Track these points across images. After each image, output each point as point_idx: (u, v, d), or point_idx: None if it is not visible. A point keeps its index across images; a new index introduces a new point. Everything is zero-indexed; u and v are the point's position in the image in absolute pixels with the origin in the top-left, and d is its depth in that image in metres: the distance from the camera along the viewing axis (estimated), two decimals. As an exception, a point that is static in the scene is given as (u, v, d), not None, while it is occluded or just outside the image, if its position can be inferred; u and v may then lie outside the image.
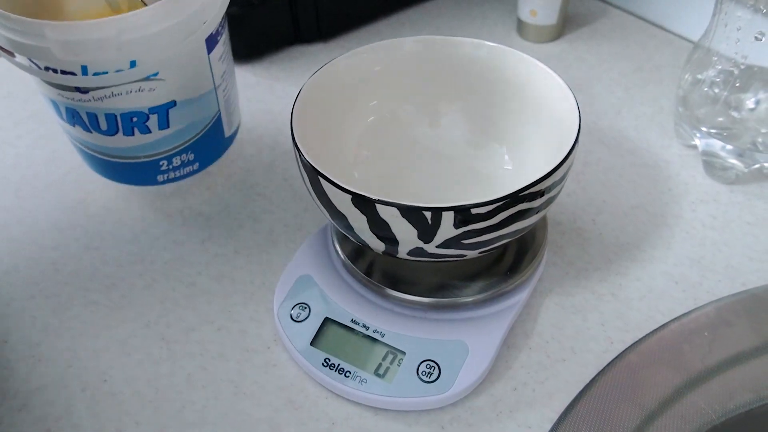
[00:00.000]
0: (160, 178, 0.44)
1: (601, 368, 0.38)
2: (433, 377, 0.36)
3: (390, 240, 0.34)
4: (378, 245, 0.35)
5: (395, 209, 0.31)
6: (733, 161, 0.47)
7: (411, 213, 0.31)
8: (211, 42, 0.40)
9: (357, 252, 0.41)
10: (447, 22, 0.68)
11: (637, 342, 0.39)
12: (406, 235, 0.33)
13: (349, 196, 0.32)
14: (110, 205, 0.49)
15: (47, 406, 0.37)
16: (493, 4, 0.70)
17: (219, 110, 0.44)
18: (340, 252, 0.41)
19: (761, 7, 0.42)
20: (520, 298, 0.39)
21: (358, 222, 0.33)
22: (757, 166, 0.47)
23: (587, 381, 0.37)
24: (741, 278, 0.42)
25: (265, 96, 0.59)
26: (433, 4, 0.71)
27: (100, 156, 0.43)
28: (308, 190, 0.36)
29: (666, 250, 0.44)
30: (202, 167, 0.46)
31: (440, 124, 0.45)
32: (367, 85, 0.43)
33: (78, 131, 0.41)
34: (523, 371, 0.38)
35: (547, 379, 0.37)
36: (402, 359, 0.37)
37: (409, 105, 0.44)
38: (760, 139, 0.46)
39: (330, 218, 0.36)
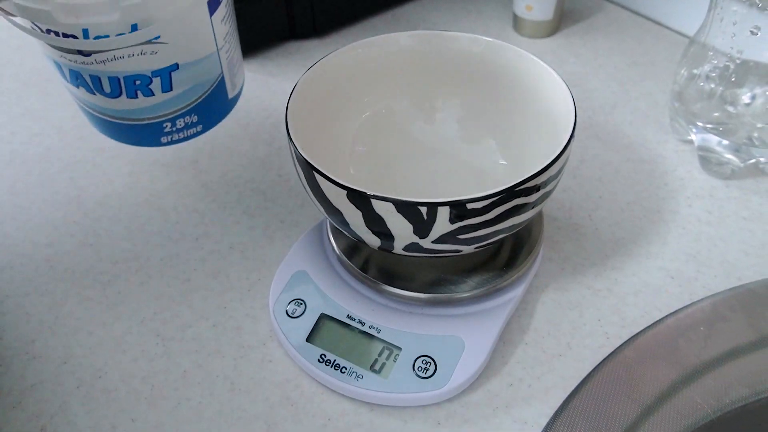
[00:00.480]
0: (163, 139, 0.44)
1: (597, 363, 0.37)
2: (429, 373, 0.36)
3: (385, 235, 0.33)
4: (373, 241, 0.35)
5: (390, 204, 0.31)
6: (729, 156, 0.47)
7: (406, 208, 0.31)
8: (213, 3, 0.40)
9: (353, 248, 0.41)
10: (443, 16, 0.68)
11: (633, 337, 0.39)
12: (402, 231, 0.33)
13: (345, 192, 0.32)
14: (105, 201, 0.49)
15: (42, 403, 0.37)
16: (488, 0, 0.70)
17: (222, 72, 0.44)
18: (335, 248, 0.41)
19: (756, 2, 0.42)
20: (516, 293, 0.39)
21: (354, 217, 0.33)
22: (752, 161, 0.47)
23: (583, 376, 0.37)
24: (737, 273, 0.42)
25: (260, 92, 0.58)
26: (428, -1, 0.70)
27: (104, 117, 0.43)
28: (303, 185, 0.36)
29: (662, 245, 0.44)
30: (205, 129, 0.46)
31: (436, 119, 0.45)
32: (363, 81, 0.43)
33: (82, 93, 0.41)
34: (519, 367, 0.38)
35: (543, 374, 0.37)
36: (398, 355, 0.37)
37: (404, 100, 0.44)
38: (755, 134, 0.46)
39: (325, 214, 0.35)
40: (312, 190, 0.35)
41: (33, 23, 0.36)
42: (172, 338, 0.40)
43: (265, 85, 0.59)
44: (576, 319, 0.40)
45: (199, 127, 0.45)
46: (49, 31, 0.36)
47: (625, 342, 0.38)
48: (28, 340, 0.40)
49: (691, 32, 0.49)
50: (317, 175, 0.33)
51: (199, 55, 0.41)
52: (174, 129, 0.44)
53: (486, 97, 0.43)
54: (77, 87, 0.41)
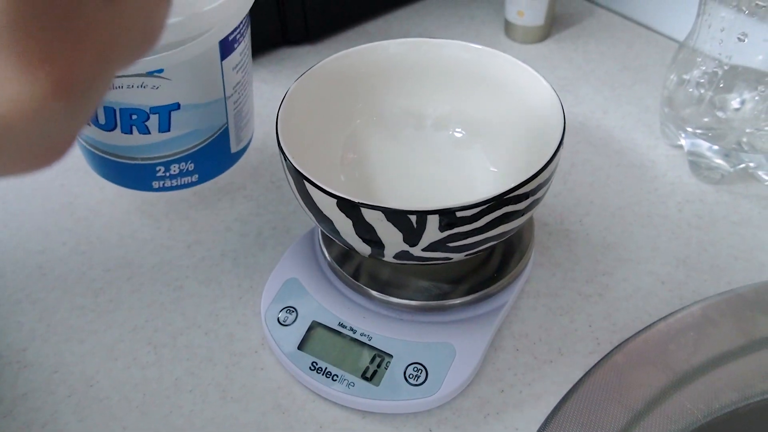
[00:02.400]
0: (155, 184, 0.43)
1: (588, 369, 0.38)
2: (421, 380, 0.36)
3: (376, 243, 0.34)
4: (364, 249, 0.35)
5: (380, 213, 0.31)
6: (719, 161, 0.48)
7: (396, 216, 0.31)
8: (226, 48, 0.39)
9: (344, 255, 0.41)
10: (435, 22, 0.68)
11: (623, 342, 0.39)
12: (392, 239, 0.33)
13: (335, 200, 0.32)
14: (97, 209, 0.49)
15: (33, 411, 0.37)
16: (480, 5, 0.70)
17: (227, 122, 0.42)
18: (327, 255, 0.41)
19: (744, 8, 0.43)
20: (507, 299, 0.39)
21: (344, 226, 0.33)
22: (742, 165, 0.48)
23: (574, 382, 0.37)
24: (726, 278, 0.42)
25: (252, 98, 0.58)
26: (420, 5, 0.71)
27: (96, 152, 0.42)
28: (294, 193, 0.36)
29: (652, 250, 0.44)
30: (201, 180, 0.44)
31: (426, 126, 0.45)
32: (354, 88, 0.43)
33: None
34: (510, 373, 0.38)
35: (535, 380, 0.38)
36: (389, 362, 0.37)
37: (395, 107, 0.44)
38: (745, 139, 0.47)
39: (316, 222, 0.36)
40: (302, 199, 0.35)
41: None
42: (164, 346, 0.40)
43: (257, 92, 0.59)
44: (567, 325, 0.40)
45: (195, 177, 0.43)
46: None
47: (616, 347, 0.39)
48: (19, 348, 0.40)
49: (681, 37, 0.50)
50: (307, 184, 0.33)
51: (204, 99, 0.40)
52: (167, 174, 0.42)
53: (476, 104, 0.43)
54: None
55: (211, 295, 0.43)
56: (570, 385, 0.37)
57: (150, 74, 0.37)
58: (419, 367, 0.36)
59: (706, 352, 0.38)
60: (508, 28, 0.65)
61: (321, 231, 0.42)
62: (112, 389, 0.38)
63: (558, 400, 0.36)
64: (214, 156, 0.43)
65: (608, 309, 0.41)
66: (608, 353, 0.38)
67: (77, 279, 0.44)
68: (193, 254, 0.45)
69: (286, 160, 0.34)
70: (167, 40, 0.35)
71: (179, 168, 0.42)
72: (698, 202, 0.48)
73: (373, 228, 0.32)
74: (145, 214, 0.48)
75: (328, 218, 0.34)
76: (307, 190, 0.33)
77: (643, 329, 0.39)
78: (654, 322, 0.40)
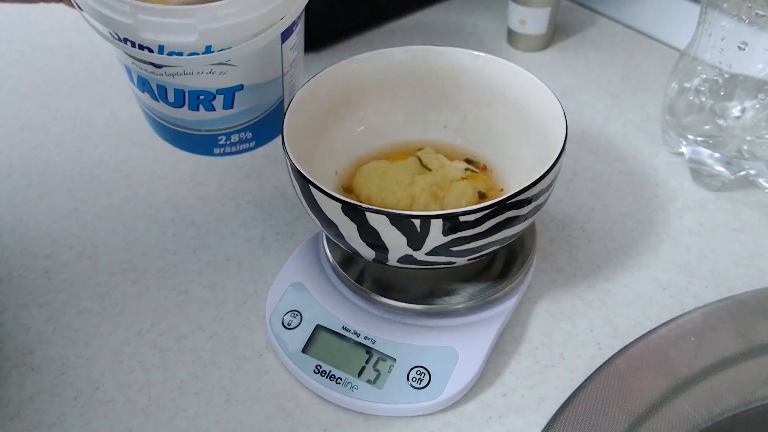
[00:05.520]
0: (216, 150, 0.45)
1: (589, 374, 0.38)
2: (424, 383, 0.36)
3: (380, 248, 0.34)
4: (368, 253, 0.35)
5: (384, 217, 0.32)
6: (720, 169, 0.48)
7: (400, 221, 0.32)
8: (286, 32, 0.40)
9: (348, 260, 0.41)
10: (438, 30, 0.69)
11: (624, 348, 0.39)
12: (396, 243, 0.33)
13: (339, 205, 0.33)
14: (103, 214, 0.49)
15: (40, 414, 0.37)
16: (483, 14, 0.71)
17: (283, 95, 0.44)
18: (331, 260, 0.41)
19: (744, 17, 0.43)
20: (510, 304, 0.40)
21: (349, 230, 0.34)
22: (742, 173, 0.48)
23: (576, 386, 0.37)
24: (727, 284, 0.43)
25: (257, 105, 0.59)
26: (423, 13, 0.71)
27: (162, 122, 0.44)
28: (299, 198, 0.36)
29: (653, 256, 0.45)
30: (257, 145, 0.46)
31: (429, 132, 0.45)
32: (358, 95, 0.43)
33: (146, 97, 0.42)
34: (512, 377, 0.38)
35: (537, 384, 0.38)
36: (393, 366, 0.37)
37: (398, 114, 0.45)
38: (745, 147, 0.47)
39: (321, 226, 0.36)
40: (308, 204, 0.35)
41: (112, 31, 0.37)
42: (169, 349, 0.40)
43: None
44: (569, 330, 0.40)
45: (252, 144, 0.45)
46: (126, 41, 0.37)
47: (617, 352, 0.39)
48: (26, 351, 0.40)
49: (682, 45, 0.50)
50: (312, 189, 0.33)
51: (265, 79, 0.42)
52: (228, 143, 0.44)
53: (478, 111, 0.44)
54: (142, 92, 0.42)
55: (216, 299, 0.43)
56: (572, 390, 0.37)
57: (218, 64, 0.39)
58: (422, 370, 0.37)
59: (707, 358, 0.38)
60: (511, 36, 0.65)
61: (325, 235, 0.43)
62: (118, 392, 0.38)
63: (560, 405, 0.37)
64: (270, 124, 0.45)
65: (610, 314, 0.41)
66: (610, 358, 0.39)
67: (83, 283, 0.44)
68: (199, 259, 0.46)
69: (292, 165, 0.35)
70: (237, 36, 0.37)
71: (239, 137, 0.44)
72: (699, 209, 0.48)
73: (377, 232, 0.33)
74: (151, 219, 0.48)
75: (333, 223, 0.34)
76: (312, 195, 0.34)
77: (644, 335, 0.40)
78: (655, 328, 0.40)
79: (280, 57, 0.41)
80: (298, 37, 0.43)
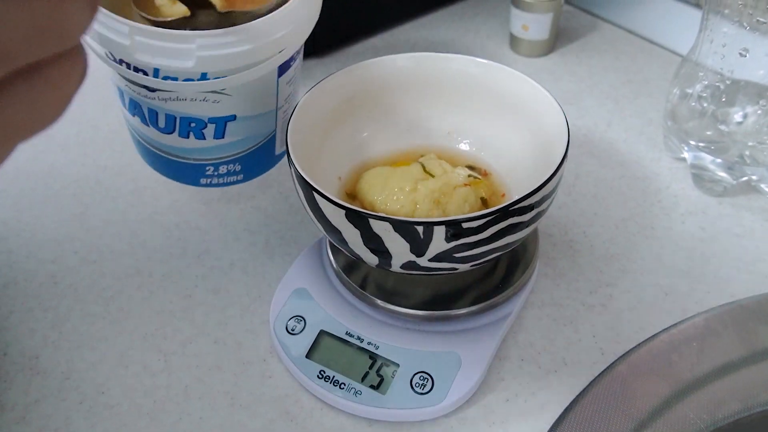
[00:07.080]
0: (203, 180, 0.44)
1: (592, 379, 0.38)
2: (427, 389, 0.36)
3: (383, 254, 0.34)
4: (371, 259, 0.35)
5: (388, 224, 0.32)
6: (722, 174, 0.48)
7: (403, 227, 0.32)
8: (283, 66, 0.40)
9: (351, 265, 0.41)
10: (441, 36, 0.69)
11: (627, 353, 0.39)
12: (399, 249, 0.33)
13: (343, 211, 0.33)
14: (108, 218, 0.49)
15: (45, 418, 0.38)
16: (485, 19, 0.71)
17: (275, 129, 0.44)
18: (334, 265, 0.42)
19: (745, 24, 0.43)
20: (512, 309, 0.40)
21: (352, 236, 0.34)
22: (744, 178, 0.48)
23: (578, 392, 0.38)
24: (729, 289, 0.43)
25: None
26: (427, 19, 0.72)
27: (150, 147, 0.43)
28: (303, 204, 0.36)
29: (656, 261, 0.45)
30: (245, 179, 0.45)
31: (432, 139, 0.45)
32: (362, 101, 0.44)
33: (136, 121, 0.42)
34: (515, 382, 0.38)
35: (539, 390, 0.38)
36: (396, 371, 0.37)
37: (401, 120, 0.45)
38: (747, 153, 0.47)
39: (324, 232, 0.36)
40: (311, 210, 0.35)
41: (108, 51, 0.37)
42: (173, 353, 0.40)
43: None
44: (571, 335, 0.41)
45: (240, 176, 0.45)
46: (121, 62, 0.37)
47: (620, 357, 0.39)
48: (32, 355, 0.41)
49: (684, 50, 0.50)
50: (316, 195, 0.34)
51: (259, 111, 0.41)
52: (215, 173, 0.44)
53: (482, 117, 0.44)
54: (133, 115, 0.41)
55: (220, 304, 0.43)
56: (574, 395, 0.37)
57: (213, 91, 0.38)
58: (425, 375, 0.37)
59: (709, 363, 0.38)
60: (513, 41, 0.66)
61: (329, 241, 0.43)
62: (123, 396, 0.38)
63: (562, 410, 0.37)
64: (260, 158, 0.45)
65: (612, 320, 0.41)
66: (612, 363, 0.39)
67: (88, 287, 0.45)
68: (203, 263, 0.46)
69: (296, 171, 0.35)
70: (234, 65, 0.37)
71: (227, 168, 0.44)
72: (701, 214, 0.48)
73: (380, 238, 0.33)
74: (156, 224, 0.49)
75: (337, 229, 0.34)
76: (316, 201, 0.34)
77: (646, 340, 0.40)
78: (657, 333, 0.40)
79: (276, 90, 0.41)
80: (295, 72, 0.43)
